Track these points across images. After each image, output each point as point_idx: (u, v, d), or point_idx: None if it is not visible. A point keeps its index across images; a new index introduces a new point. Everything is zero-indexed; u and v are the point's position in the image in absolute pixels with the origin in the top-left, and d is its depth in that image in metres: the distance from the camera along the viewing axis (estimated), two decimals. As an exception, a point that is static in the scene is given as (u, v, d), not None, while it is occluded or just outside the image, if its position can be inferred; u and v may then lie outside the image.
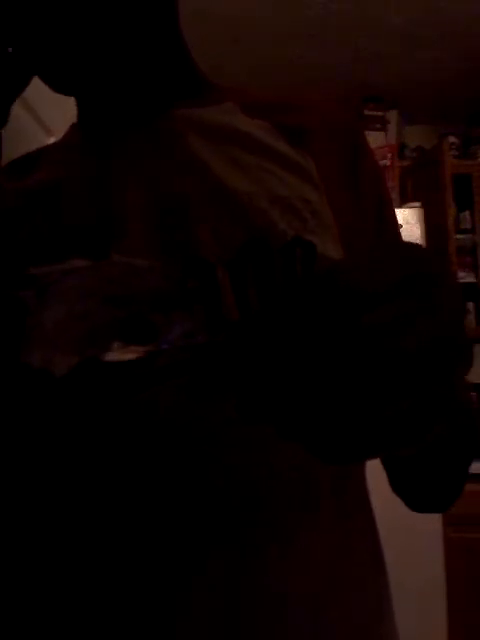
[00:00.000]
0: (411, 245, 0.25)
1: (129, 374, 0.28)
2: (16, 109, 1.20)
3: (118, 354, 0.29)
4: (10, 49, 0.41)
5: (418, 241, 2.05)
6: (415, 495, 0.49)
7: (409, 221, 2.07)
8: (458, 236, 2.66)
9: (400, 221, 2.01)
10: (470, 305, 2.71)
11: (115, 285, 0.31)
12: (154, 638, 0.34)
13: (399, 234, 0.50)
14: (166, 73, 0.47)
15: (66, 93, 0.44)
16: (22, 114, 1.16)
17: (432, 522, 1.90)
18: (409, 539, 1.87)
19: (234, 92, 0.50)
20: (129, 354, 0.28)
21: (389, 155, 2.33)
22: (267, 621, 0.36)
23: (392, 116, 3.04)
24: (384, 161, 2.30)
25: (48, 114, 1.27)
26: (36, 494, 0.38)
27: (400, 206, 2.22)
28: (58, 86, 0.43)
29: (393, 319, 0.22)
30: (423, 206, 2.14)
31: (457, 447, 0.43)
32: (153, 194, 0.41)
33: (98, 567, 0.36)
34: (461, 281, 2.62)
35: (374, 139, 2.92)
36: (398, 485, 0.46)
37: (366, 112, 2.99)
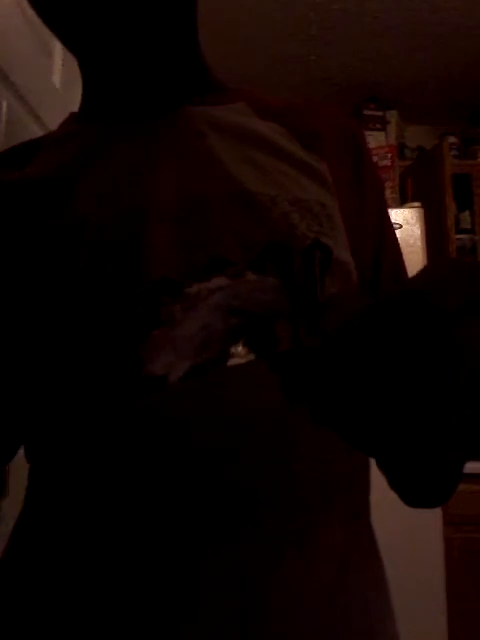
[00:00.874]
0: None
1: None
2: (16, 108, 1.20)
3: (240, 358, 0.34)
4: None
5: (418, 241, 2.05)
6: (414, 491, 0.49)
7: (409, 221, 2.07)
8: (458, 236, 2.65)
9: (400, 221, 2.02)
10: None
11: (240, 300, 0.35)
12: (179, 612, 0.36)
13: (395, 236, 0.51)
14: (183, 67, 0.46)
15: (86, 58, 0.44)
16: (22, 114, 1.16)
17: (432, 522, 1.90)
18: (409, 539, 1.87)
19: (244, 93, 0.50)
20: (250, 356, 0.34)
21: (389, 155, 2.33)
22: (284, 607, 0.36)
23: (392, 116, 3.04)
24: (384, 161, 2.30)
25: (48, 114, 1.28)
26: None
27: (400, 206, 2.22)
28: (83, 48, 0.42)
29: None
30: (423, 206, 2.14)
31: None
32: (174, 192, 0.41)
33: (127, 550, 0.37)
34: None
35: (374, 139, 2.92)
36: (396, 482, 0.46)
37: (366, 112, 3.00)
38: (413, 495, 0.46)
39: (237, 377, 0.36)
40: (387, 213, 0.49)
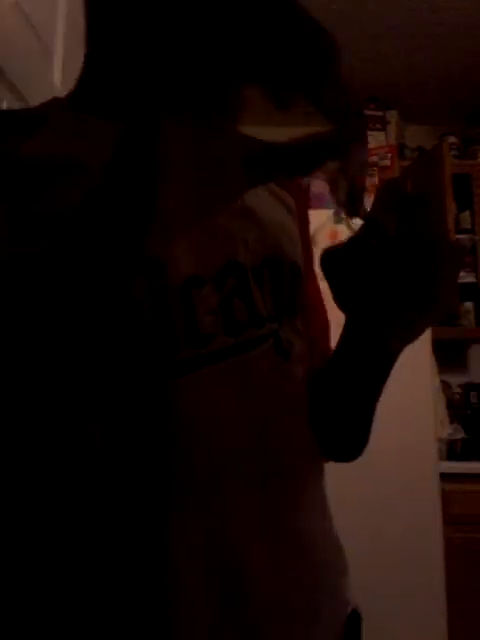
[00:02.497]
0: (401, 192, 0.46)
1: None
2: (16, 108, 1.20)
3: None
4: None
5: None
6: (335, 439, 0.58)
7: (409, 221, 2.07)
8: (458, 236, 2.66)
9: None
10: (470, 305, 2.71)
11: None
12: (221, 530, 0.44)
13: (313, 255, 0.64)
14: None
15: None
16: (22, 114, 1.16)
17: (432, 522, 1.90)
18: (409, 539, 1.87)
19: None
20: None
21: (389, 155, 2.33)
22: (291, 539, 0.48)
23: (392, 116, 3.04)
24: (384, 161, 2.30)
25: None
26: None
27: (400, 206, 2.22)
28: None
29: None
30: (423, 206, 2.14)
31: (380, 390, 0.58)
32: (196, 201, 0.48)
33: (162, 496, 0.43)
34: (461, 281, 2.62)
35: (374, 139, 2.92)
36: (320, 426, 0.55)
37: (366, 112, 3.00)
38: (334, 443, 0.57)
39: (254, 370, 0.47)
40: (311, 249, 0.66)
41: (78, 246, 0.41)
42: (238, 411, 0.46)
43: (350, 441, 0.59)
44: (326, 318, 0.64)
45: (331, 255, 0.48)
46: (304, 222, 0.62)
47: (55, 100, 0.53)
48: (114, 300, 0.42)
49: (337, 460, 0.60)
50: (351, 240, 0.48)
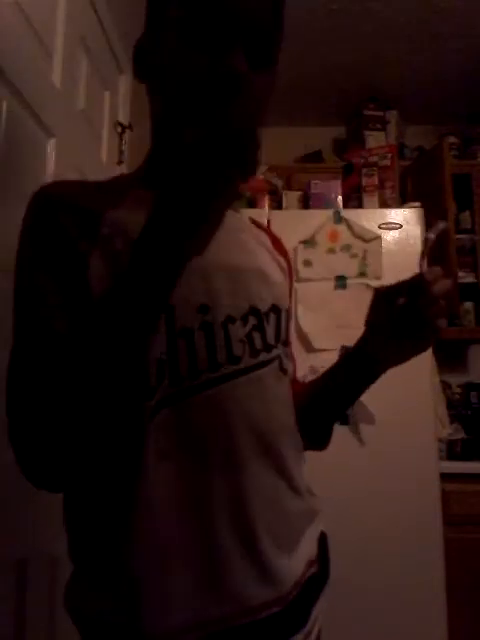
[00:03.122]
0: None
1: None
2: (16, 108, 1.20)
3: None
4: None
5: (417, 241, 2.05)
6: (317, 431, 0.82)
7: (409, 221, 2.07)
8: (458, 236, 2.66)
9: (400, 221, 2.02)
10: (470, 305, 2.71)
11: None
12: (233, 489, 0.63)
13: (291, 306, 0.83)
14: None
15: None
16: (22, 114, 1.16)
17: (432, 522, 1.91)
18: (409, 539, 1.87)
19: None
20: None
21: (389, 155, 2.32)
22: (291, 495, 0.70)
23: (392, 116, 3.04)
24: (384, 161, 2.30)
25: (48, 114, 1.28)
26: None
27: (400, 206, 2.22)
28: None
29: None
30: (423, 206, 2.14)
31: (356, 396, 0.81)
32: (222, 261, 0.67)
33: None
34: (461, 281, 2.62)
35: (374, 139, 2.92)
36: (304, 424, 0.77)
37: (366, 112, 2.99)
38: (317, 435, 0.84)
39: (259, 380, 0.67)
40: (293, 296, 0.88)
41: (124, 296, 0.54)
42: (257, 406, 0.66)
43: (326, 437, 0.83)
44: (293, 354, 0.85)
45: (385, 291, 0.71)
46: (290, 279, 0.84)
47: (130, 176, 0.75)
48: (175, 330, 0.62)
49: (312, 449, 0.82)
50: (398, 286, 0.69)
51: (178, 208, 0.49)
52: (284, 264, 0.81)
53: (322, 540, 0.79)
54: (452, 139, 2.96)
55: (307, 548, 0.72)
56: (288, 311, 0.76)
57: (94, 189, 0.68)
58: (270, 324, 0.70)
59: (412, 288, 0.67)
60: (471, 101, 2.99)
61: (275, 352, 0.70)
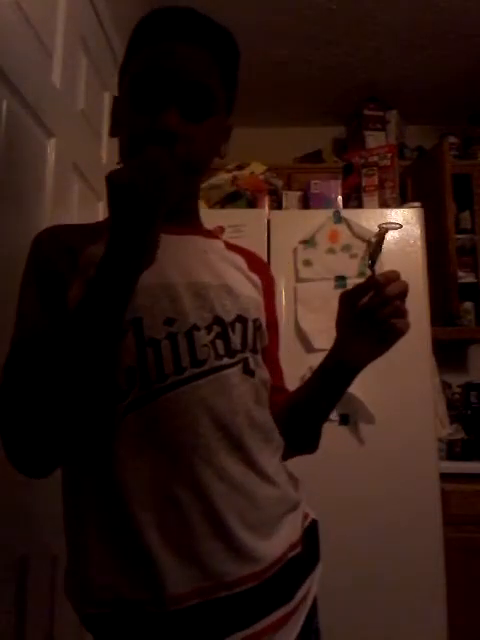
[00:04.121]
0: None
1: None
2: (16, 108, 1.20)
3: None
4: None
5: (418, 241, 2.05)
6: (304, 435, 0.88)
7: (409, 221, 2.07)
8: (458, 236, 2.66)
9: (400, 221, 2.02)
10: (470, 305, 2.71)
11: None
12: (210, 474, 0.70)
13: (276, 323, 0.95)
14: (193, 212, 0.88)
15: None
16: (22, 114, 1.16)
17: (432, 522, 1.91)
18: (409, 539, 1.87)
19: (216, 232, 0.93)
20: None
21: (389, 155, 2.32)
22: (261, 483, 0.76)
23: (392, 116, 3.04)
24: (384, 161, 2.30)
25: (48, 114, 1.28)
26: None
27: (400, 206, 2.22)
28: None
29: None
30: (423, 206, 2.14)
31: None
32: (189, 280, 0.77)
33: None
34: (461, 281, 2.62)
35: (374, 139, 2.92)
36: (291, 431, 0.86)
37: (366, 112, 3.00)
38: (302, 440, 0.90)
39: (225, 378, 0.75)
40: (275, 310, 0.95)
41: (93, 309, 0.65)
42: (221, 403, 0.73)
43: (314, 440, 0.88)
44: (279, 366, 0.94)
45: (347, 294, 0.77)
46: (269, 294, 0.93)
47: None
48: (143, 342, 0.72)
49: (302, 453, 0.89)
50: (356, 289, 0.75)
51: (118, 239, 0.62)
52: (258, 281, 0.89)
53: (312, 526, 0.86)
54: (452, 139, 2.96)
55: (288, 532, 0.79)
56: (259, 322, 0.84)
57: (79, 230, 0.82)
58: (236, 333, 0.78)
59: (367, 290, 0.74)
60: (471, 101, 2.99)
61: (240, 356, 0.77)
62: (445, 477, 2.03)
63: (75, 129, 1.51)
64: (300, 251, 2.05)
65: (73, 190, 1.50)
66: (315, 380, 0.84)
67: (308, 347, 1.95)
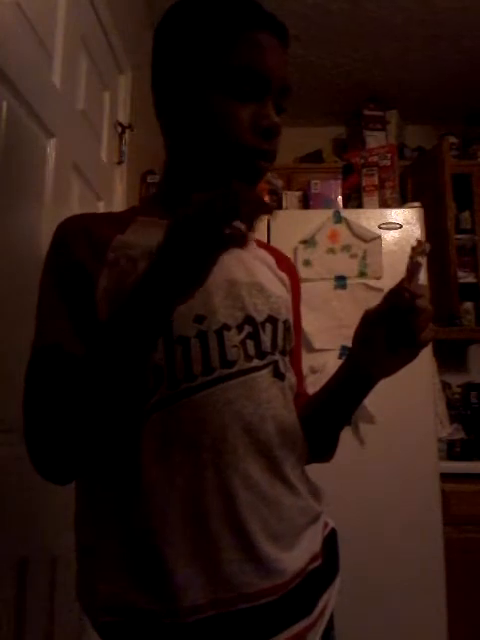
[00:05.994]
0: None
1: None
2: (16, 108, 1.20)
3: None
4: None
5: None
6: (320, 443, 0.85)
7: (409, 221, 2.07)
8: (458, 236, 2.66)
9: (400, 221, 2.02)
10: (470, 305, 2.71)
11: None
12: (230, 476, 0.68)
13: (300, 322, 0.92)
14: None
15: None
16: (22, 114, 1.16)
17: (432, 522, 1.91)
18: (409, 539, 1.87)
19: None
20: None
21: (389, 155, 2.32)
22: (287, 493, 0.74)
23: (392, 116, 3.04)
24: (384, 161, 2.30)
25: (48, 114, 1.28)
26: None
27: (400, 206, 2.22)
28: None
29: None
30: (423, 206, 2.14)
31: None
32: (221, 276, 0.72)
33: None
34: (461, 281, 2.62)
35: (374, 139, 2.92)
36: (314, 432, 0.82)
37: (366, 112, 3.00)
38: (323, 446, 0.87)
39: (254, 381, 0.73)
40: (300, 312, 0.93)
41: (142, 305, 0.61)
42: (249, 407, 0.71)
43: (330, 448, 0.87)
44: (300, 369, 0.91)
45: (369, 315, 0.71)
46: (296, 294, 0.90)
47: (137, 207, 0.86)
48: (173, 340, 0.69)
49: (317, 461, 0.85)
50: (379, 309, 0.70)
51: (168, 268, 0.57)
52: (287, 280, 0.87)
53: (331, 537, 0.83)
54: (452, 139, 2.96)
55: (309, 543, 0.76)
56: (289, 322, 0.81)
57: (106, 218, 0.81)
58: (266, 333, 0.76)
59: (398, 308, 0.68)
60: (471, 101, 2.99)
61: (270, 358, 0.75)
62: (445, 477, 2.03)
63: (75, 129, 1.51)
64: (300, 251, 2.05)
65: (73, 190, 1.50)
66: (336, 389, 0.80)
67: (308, 347, 1.95)
